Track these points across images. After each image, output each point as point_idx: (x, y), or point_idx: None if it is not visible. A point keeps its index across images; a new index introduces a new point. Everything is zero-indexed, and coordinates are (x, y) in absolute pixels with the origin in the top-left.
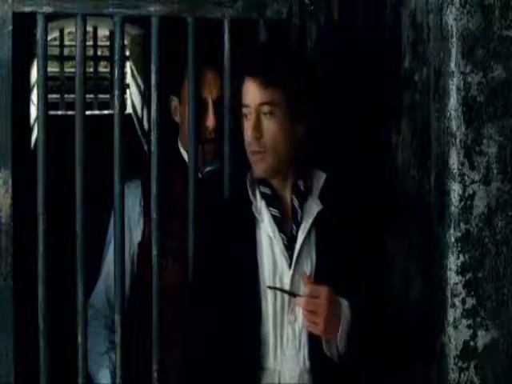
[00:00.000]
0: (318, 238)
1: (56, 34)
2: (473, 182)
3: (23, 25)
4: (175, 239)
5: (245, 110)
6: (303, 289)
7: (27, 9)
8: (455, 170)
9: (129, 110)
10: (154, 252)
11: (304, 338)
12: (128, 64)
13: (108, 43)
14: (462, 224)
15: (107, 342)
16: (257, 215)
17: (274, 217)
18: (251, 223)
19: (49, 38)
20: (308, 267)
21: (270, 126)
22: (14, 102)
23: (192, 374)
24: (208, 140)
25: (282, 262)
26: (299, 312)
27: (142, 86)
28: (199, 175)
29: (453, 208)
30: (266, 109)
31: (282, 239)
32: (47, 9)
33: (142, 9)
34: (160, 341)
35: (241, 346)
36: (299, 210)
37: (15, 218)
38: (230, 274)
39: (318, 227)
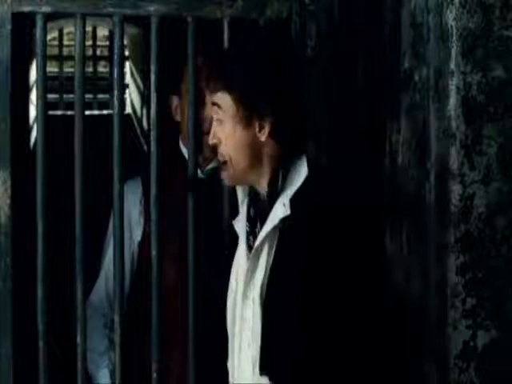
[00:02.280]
0: (276, 251)
1: (55, 33)
2: (473, 182)
3: (22, 25)
4: (176, 239)
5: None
6: (252, 313)
7: (26, 9)
8: (455, 170)
9: (128, 109)
10: (154, 252)
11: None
12: (127, 64)
13: (107, 43)
14: (461, 224)
15: (106, 341)
16: (235, 228)
17: (247, 222)
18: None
19: (48, 37)
20: (258, 283)
21: (221, 134)
22: (13, 102)
23: None
24: (208, 132)
25: (241, 273)
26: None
27: (142, 86)
28: (201, 174)
29: (453, 208)
30: (216, 115)
31: (247, 248)
32: (46, 9)
33: (142, 8)
34: (160, 341)
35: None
36: (257, 218)
37: (14, 218)
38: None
39: (280, 237)
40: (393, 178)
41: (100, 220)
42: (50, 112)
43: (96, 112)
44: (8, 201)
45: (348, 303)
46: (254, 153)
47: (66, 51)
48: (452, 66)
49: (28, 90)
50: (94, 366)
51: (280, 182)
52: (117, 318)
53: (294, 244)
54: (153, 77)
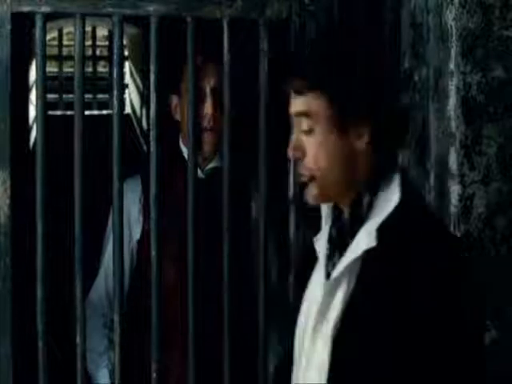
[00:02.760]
0: (357, 285)
1: (55, 33)
2: (472, 182)
3: (22, 24)
4: (175, 239)
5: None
6: (321, 349)
7: (26, 8)
8: (455, 171)
9: (128, 109)
10: (153, 252)
11: None
12: (127, 64)
13: (107, 43)
14: (461, 224)
15: (106, 341)
16: (316, 246)
17: (328, 243)
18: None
19: (47, 37)
20: (331, 320)
21: (310, 144)
22: (13, 102)
23: None
24: (207, 129)
25: (315, 304)
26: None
27: (141, 86)
28: (201, 174)
29: (452, 208)
30: (304, 123)
31: (325, 275)
32: (46, 9)
33: (141, 8)
34: (160, 340)
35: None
36: (337, 246)
37: (14, 218)
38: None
39: (365, 272)
40: None
41: (99, 219)
42: (50, 112)
43: (96, 112)
44: (7, 201)
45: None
46: (350, 164)
47: (65, 51)
48: (452, 66)
49: (28, 90)
50: (94, 366)
51: (366, 203)
52: (116, 318)
53: (379, 278)
54: (152, 77)
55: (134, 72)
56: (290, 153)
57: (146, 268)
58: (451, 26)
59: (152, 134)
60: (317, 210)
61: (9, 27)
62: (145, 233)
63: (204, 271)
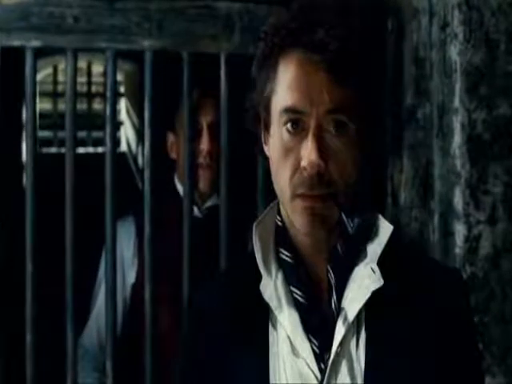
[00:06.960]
0: (370, 337)
1: (49, 70)
2: (478, 222)
3: (14, 60)
4: (170, 282)
5: (287, 116)
6: None
7: (15, 43)
8: (460, 210)
9: (124, 147)
10: (147, 296)
11: None
12: (123, 101)
13: (103, 79)
14: (467, 266)
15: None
16: (268, 301)
17: (296, 304)
18: (262, 314)
19: (42, 74)
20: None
21: (339, 149)
22: (4, 140)
23: None
24: (203, 166)
25: (308, 379)
26: None
27: (137, 123)
28: (198, 213)
29: (457, 249)
30: (337, 121)
31: (311, 342)
32: (36, 43)
33: (135, 43)
34: None
35: None
36: (334, 291)
37: (3, 259)
38: None
39: (372, 317)
40: (395, 219)
41: (91, 260)
42: (44, 149)
43: (91, 149)
44: None
45: None
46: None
47: (60, 88)
48: (456, 102)
49: (21, 128)
50: None
51: (366, 238)
52: (109, 363)
53: (395, 319)
54: (146, 113)
55: (131, 109)
56: (314, 167)
57: (140, 311)
58: (455, 62)
59: (146, 172)
60: None
61: None
62: (139, 276)
63: None
